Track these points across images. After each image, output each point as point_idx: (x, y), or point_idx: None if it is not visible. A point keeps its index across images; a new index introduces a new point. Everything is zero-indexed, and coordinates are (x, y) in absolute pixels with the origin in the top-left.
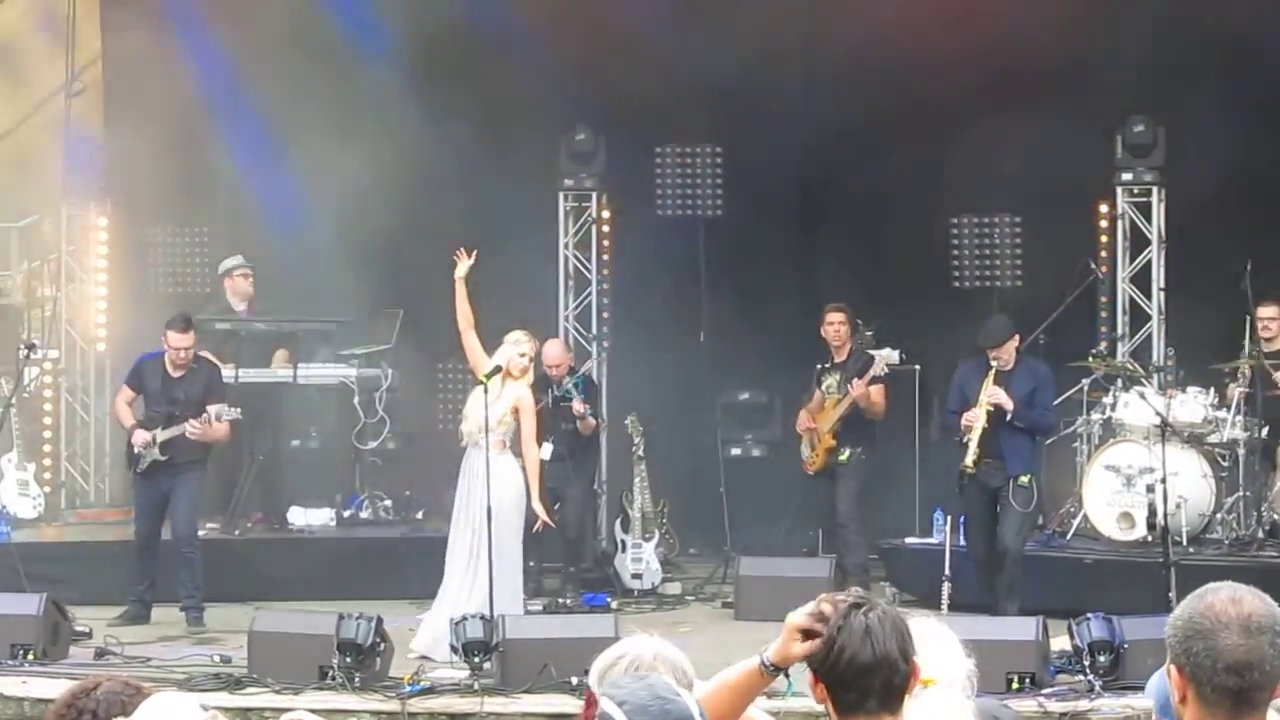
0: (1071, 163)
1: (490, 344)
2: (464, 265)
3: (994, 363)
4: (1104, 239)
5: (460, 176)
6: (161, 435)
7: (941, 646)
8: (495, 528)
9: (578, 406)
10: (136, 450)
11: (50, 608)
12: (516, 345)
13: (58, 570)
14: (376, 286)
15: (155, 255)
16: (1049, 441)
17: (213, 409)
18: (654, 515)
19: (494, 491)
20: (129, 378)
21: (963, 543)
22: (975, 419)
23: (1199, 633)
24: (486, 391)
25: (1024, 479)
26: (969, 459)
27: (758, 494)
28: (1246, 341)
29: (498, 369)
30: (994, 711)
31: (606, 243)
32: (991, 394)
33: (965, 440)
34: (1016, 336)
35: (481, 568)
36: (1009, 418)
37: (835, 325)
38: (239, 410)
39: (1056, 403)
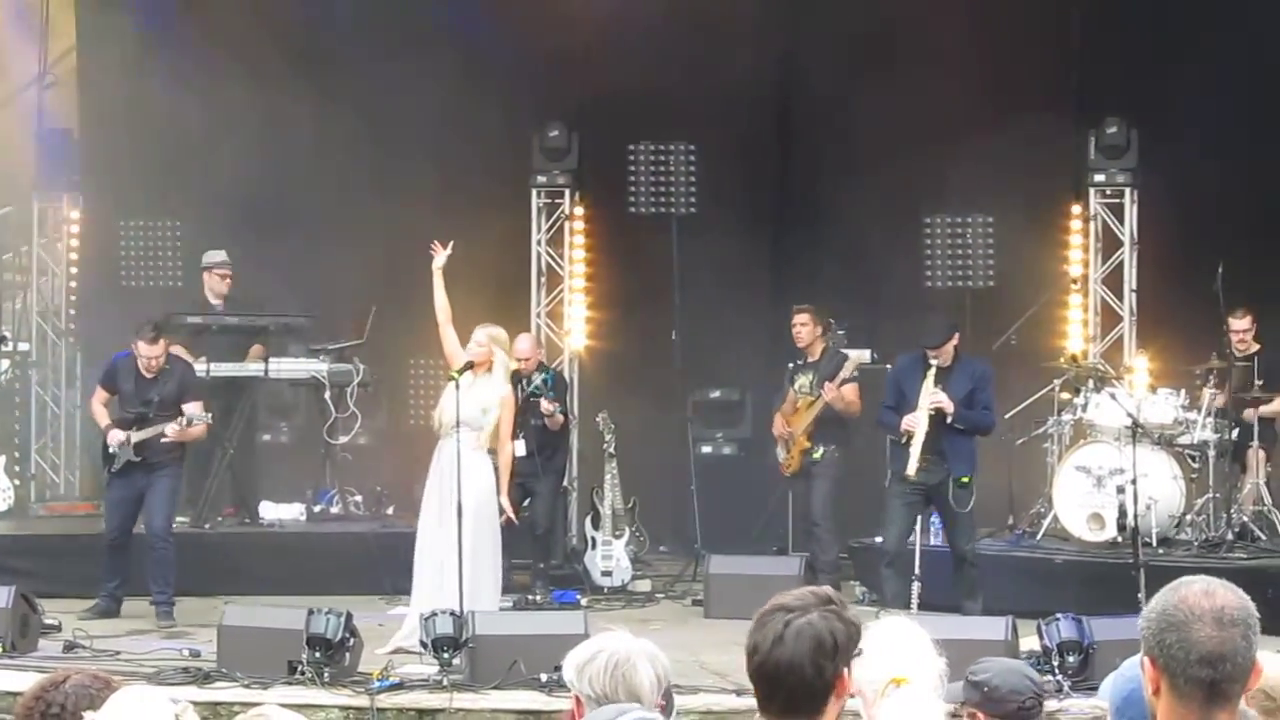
0: (1045, 164)
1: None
2: (441, 256)
3: (933, 361)
4: (1076, 240)
5: (433, 172)
6: (136, 436)
7: (914, 646)
8: (474, 524)
9: (545, 405)
10: (111, 450)
11: (19, 600)
12: (474, 337)
13: (27, 563)
14: (349, 282)
15: (128, 248)
16: (1020, 442)
17: (189, 410)
18: (624, 512)
19: (470, 487)
20: (103, 379)
21: (935, 542)
22: (916, 424)
23: (1172, 625)
24: (458, 388)
25: (964, 479)
26: (911, 468)
27: (728, 492)
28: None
29: (469, 364)
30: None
31: (579, 239)
32: (933, 398)
33: (905, 443)
34: (956, 335)
35: (452, 563)
36: (949, 420)
37: (798, 326)
38: (210, 415)
39: (1026, 404)
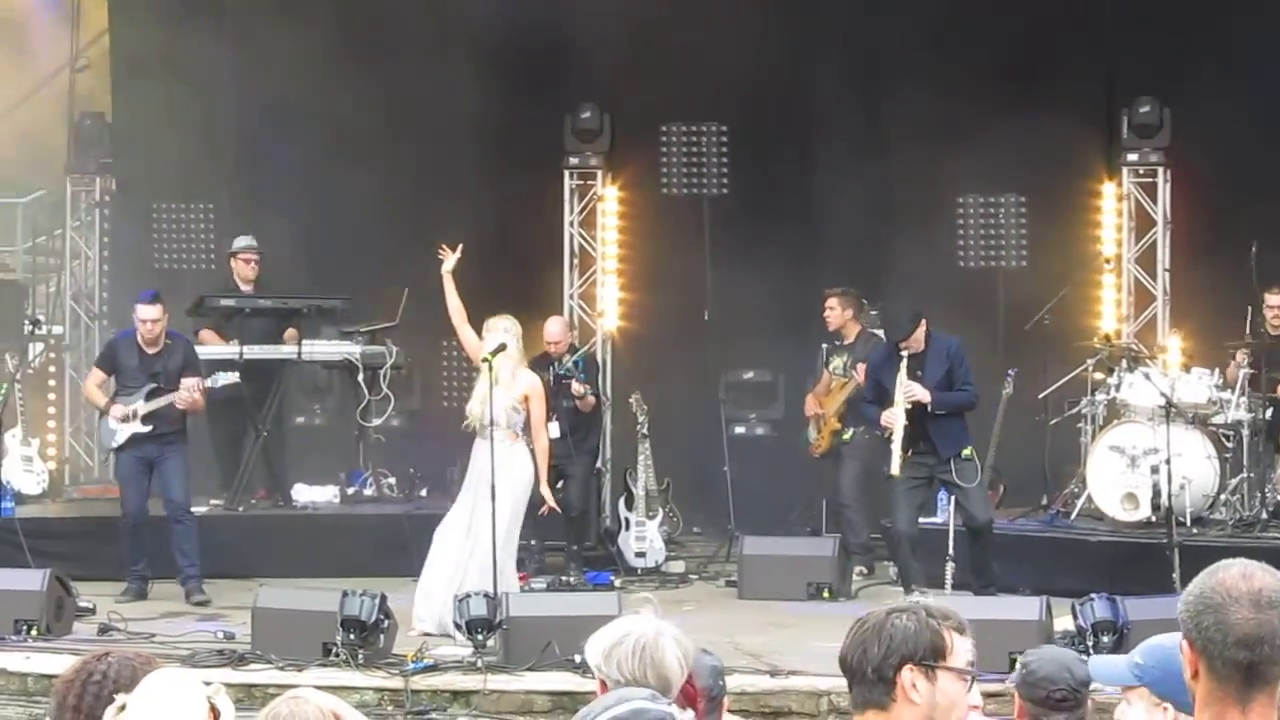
0: (1077, 143)
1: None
2: (451, 260)
3: (904, 351)
4: (1109, 219)
5: (467, 154)
6: (144, 407)
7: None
8: (501, 510)
9: (576, 387)
10: (113, 426)
11: (54, 583)
12: (494, 333)
13: (61, 546)
14: (382, 263)
15: (160, 232)
16: (1054, 422)
17: (189, 381)
18: (658, 494)
19: (506, 478)
20: (100, 360)
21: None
22: (895, 419)
23: (1209, 607)
24: (491, 369)
25: (965, 453)
26: (895, 467)
27: (762, 473)
28: (1248, 326)
29: (502, 346)
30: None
31: (612, 220)
32: (908, 391)
33: (887, 437)
34: (923, 321)
35: (482, 547)
36: (930, 409)
37: (827, 310)
38: (234, 375)
39: (1060, 384)
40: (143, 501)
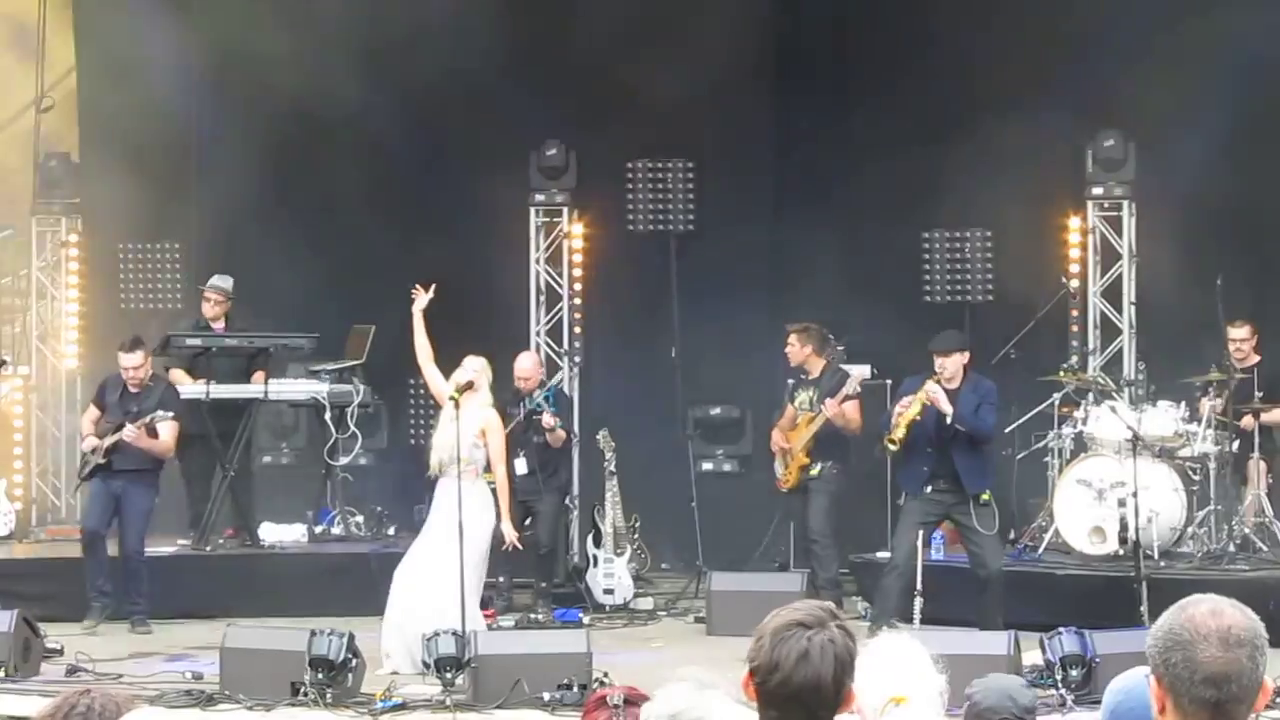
0: (1043, 177)
1: (456, 362)
2: (422, 299)
3: (938, 370)
4: (1075, 253)
5: (432, 192)
6: (107, 441)
7: (913, 663)
8: (466, 555)
9: (547, 419)
10: (84, 457)
11: (21, 624)
12: (468, 364)
13: (28, 586)
14: (349, 302)
15: (127, 271)
16: (1021, 456)
17: (149, 417)
18: (626, 530)
19: (468, 517)
20: (95, 396)
21: (936, 557)
22: (909, 404)
23: (1178, 644)
24: (458, 406)
25: (984, 497)
26: (895, 434)
27: (729, 509)
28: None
29: (469, 384)
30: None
31: (578, 257)
32: (932, 390)
33: (896, 422)
34: (966, 354)
35: (450, 585)
36: (948, 420)
37: (787, 346)
38: (171, 414)
39: (1027, 418)
40: (102, 526)
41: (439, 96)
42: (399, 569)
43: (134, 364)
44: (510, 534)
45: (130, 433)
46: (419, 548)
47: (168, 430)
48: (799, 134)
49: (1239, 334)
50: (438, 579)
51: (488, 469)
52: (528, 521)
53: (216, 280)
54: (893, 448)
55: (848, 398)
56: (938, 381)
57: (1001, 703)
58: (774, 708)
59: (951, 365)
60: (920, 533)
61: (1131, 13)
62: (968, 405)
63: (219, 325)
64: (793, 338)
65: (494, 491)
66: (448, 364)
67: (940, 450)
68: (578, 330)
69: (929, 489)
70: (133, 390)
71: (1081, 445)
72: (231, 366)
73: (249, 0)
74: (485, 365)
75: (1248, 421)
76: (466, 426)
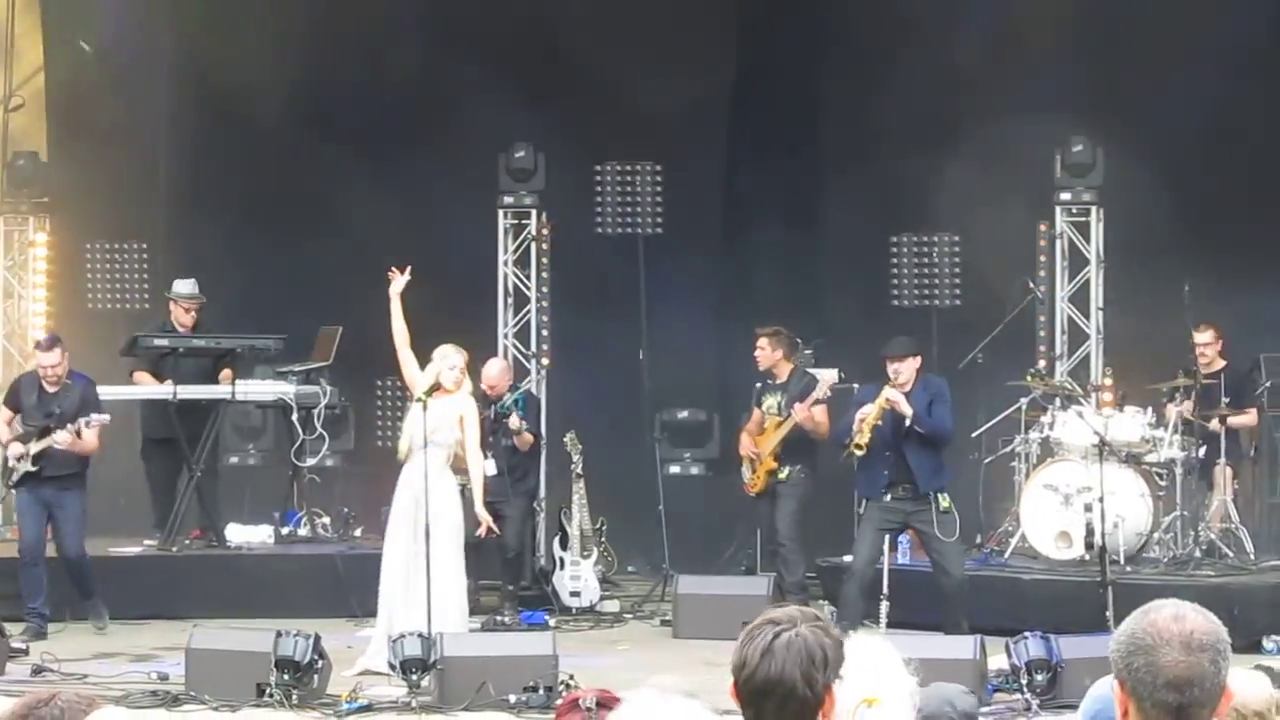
0: (1011, 182)
1: (424, 361)
2: (399, 282)
3: (892, 376)
4: (1043, 258)
5: (400, 193)
6: (35, 447)
7: (885, 665)
8: (439, 545)
9: (514, 422)
10: (10, 463)
11: None
12: (445, 359)
13: None
14: (316, 304)
15: (95, 271)
16: (988, 461)
17: (74, 424)
18: (592, 533)
19: (436, 509)
20: (7, 397)
21: (902, 561)
22: (869, 411)
23: (1140, 648)
24: (425, 409)
25: (944, 503)
26: (860, 439)
27: (696, 512)
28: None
29: (436, 386)
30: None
31: (546, 260)
32: (891, 395)
33: (858, 428)
34: (919, 358)
35: (420, 584)
36: (908, 422)
37: (757, 349)
38: (107, 416)
39: (994, 422)
40: (40, 539)
41: (408, 97)
42: (389, 576)
43: (52, 362)
44: (485, 518)
45: (64, 438)
46: (393, 546)
47: (95, 430)
48: (768, 138)
49: (1204, 339)
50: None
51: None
52: (495, 524)
53: (180, 286)
54: (859, 452)
55: (817, 402)
56: (893, 387)
57: (941, 709)
58: (748, 706)
59: (906, 370)
60: (881, 538)
61: (1101, 18)
62: (920, 404)
63: (184, 330)
64: (763, 341)
65: (463, 488)
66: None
67: (897, 453)
68: (545, 333)
69: (888, 496)
70: (50, 390)
71: (1048, 450)
72: (198, 367)
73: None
74: (456, 352)
75: (1215, 426)
76: (446, 411)
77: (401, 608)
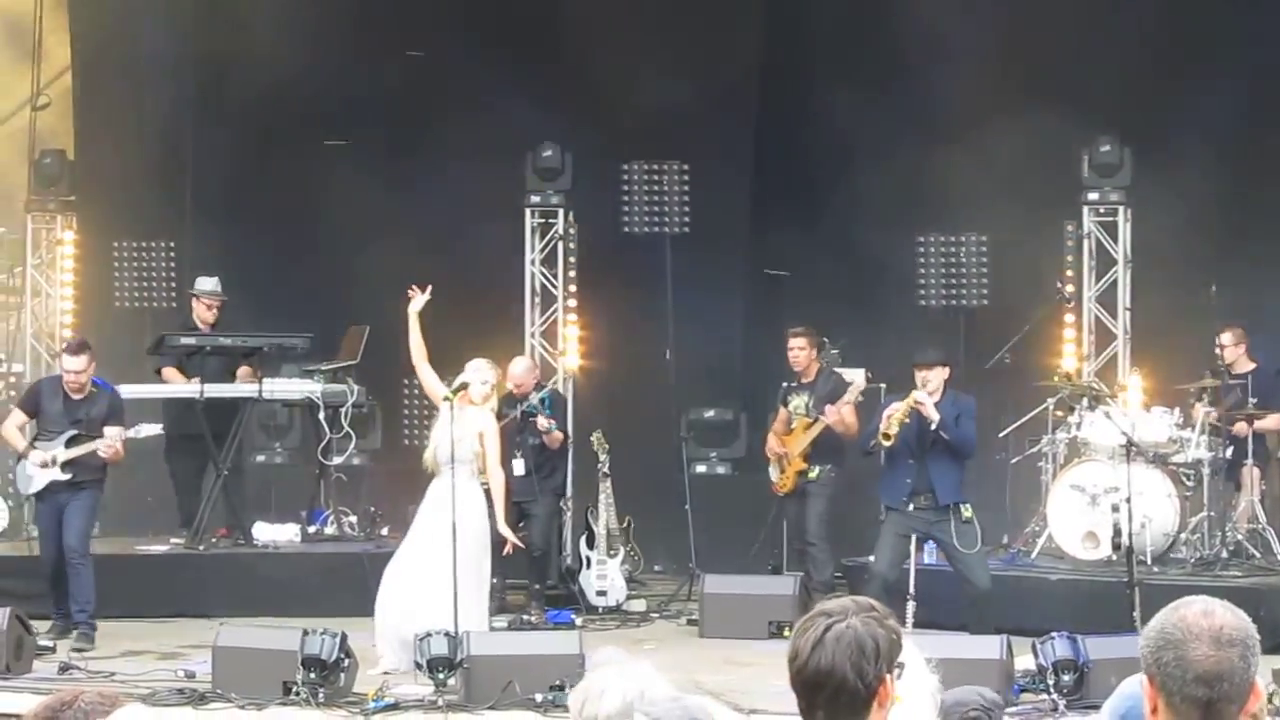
0: (1038, 182)
1: (452, 362)
2: (419, 301)
3: (920, 384)
4: (1070, 259)
5: (426, 193)
6: (64, 455)
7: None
8: (465, 550)
9: (543, 422)
10: (30, 472)
11: (14, 622)
12: (479, 373)
13: (21, 585)
14: (343, 302)
15: (121, 270)
16: (1015, 461)
17: (110, 432)
18: (619, 532)
19: (463, 516)
20: (22, 402)
21: (929, 561)
22: (897, 407)
23: (1170, 643)
24: (453, 407)
25: (966, 513)
26: (888, 428)
27: (723, 511)
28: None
29: (464, 385)
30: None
31: (573, 259)
32: (919, 397)
33: (885, 422)
34: (948, 369)
35: (446, 585)
36: (933, 427)
37: (795, 350)
38: (159, 427)
39: (1021, 422)
40: (60, 550)
41: (435, 98)
42: (390, 569)
43: (78, 368)
44: (508, 535)
45: (109, 446)
46: (411, 548)
47: (120, 447)
48: (794, 137)
49: (1231, 340)
50: (436, 581)
51: (483, 471)
52: (522, 523)
53: (202, 283)
54: (886, 443)
55: (848, 404)
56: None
57: (969, 696)
58: (800, 696)
59: (935, 379)
60: (903, 543)
61: (1128, 17)
62: (948, 417)
63: (206, 329)
64: (802, 341)
65: (488, 493)
66: (446, 366)
67: (921, 462)
68: (572, 332)
69: (910, 505)
70: (75, 397)
71: (1075, 450)
72: (224, 366)
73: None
74: (490, 368)
75: (1241, 428)
76: (465, 426)
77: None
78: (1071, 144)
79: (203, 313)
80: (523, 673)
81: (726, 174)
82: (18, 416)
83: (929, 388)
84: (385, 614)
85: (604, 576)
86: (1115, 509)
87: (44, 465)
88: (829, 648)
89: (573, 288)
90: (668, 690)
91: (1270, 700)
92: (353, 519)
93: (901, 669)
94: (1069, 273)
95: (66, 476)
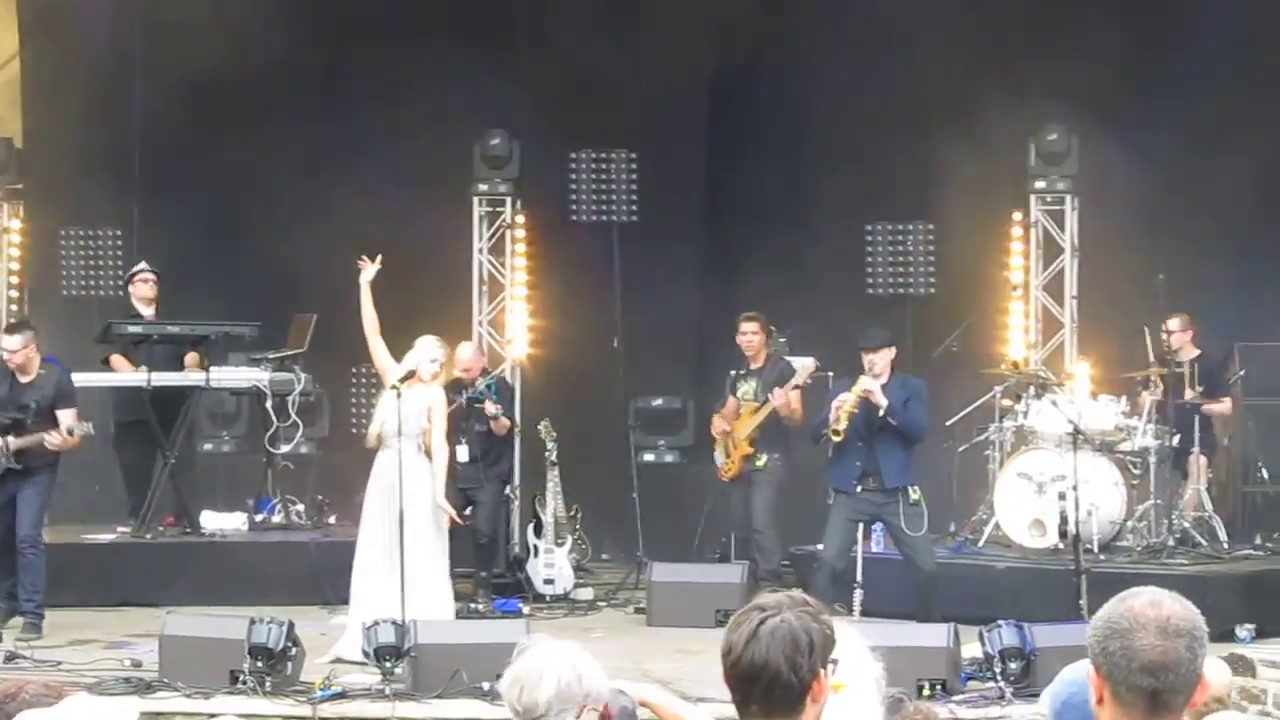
0: (986, 171)
1: (400, 349)
2: (369, 270)
3: (867, 367)
4: (1017, 246)
5: (373, 181)
6: (15, 443)
7: (850, 651)
8: (419, 531)
9: (490, 408)
10: None
11: None
12: (427, 351)
13: None
14: (290, 290)
15: (68, 257)
16: (962, 449)
17: (65, 420)
18: (567, 520)
19: (412, 494)
20: None
21: (876, 549)
22: (846, 399)
23: (1116, 632)
24: (399, 396)
25: (913, 495)
26: (838, 425)
27: (670, 500)
28: (1149, 349)
29: (410, 374)
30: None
31: (520, 247)
32: (867, 384)
33: (835, 415)
34: (893, 349)
35: (395, 570)
36: (881, 413)
37: (748, 335)
38: (90, 425)
39: (968, 410)
40: (8, 535)
41: (383, 85)
42: (359, 561)
43: (14, 347)
44: (447, 509)
45: (55, 442)
46: (373, 534)
47: (79, 437)
48: (742, 125)
49: (1178, 327)
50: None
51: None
52: (468, 510)
53: (142, 265)
54: (836, 438)
55: (796, 387)
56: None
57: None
58: (735, 691)
59: (880, 361)
60: (852, 528)
61: (1075, 5)
62: (897, 400)
63: (149, 309)
64: (755, 326)
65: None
66: (394, 351)
67: (869, 445)
68: (520, 320)
69: (859, 487)
70: (22, 380)
71: (1022, 439)
72: (171, 354)
73: None
74: (439, 345)
75: (1190, 396)
76: (414, 403)
77: (382, 597)
78: (1019, 132)
79: (144, 291)
80: (470, 661)
81: (674, 162)
82: None
83: (874, 370)
84: (361, 607)
85: (552, 565)
86: (1062, 497)
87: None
88: (763, 642)
89: (520, 275)
90: (600, 673)
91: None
92: (300, 508)
93: (835, 664)
94: (1016, 263)
95: (19, 466)
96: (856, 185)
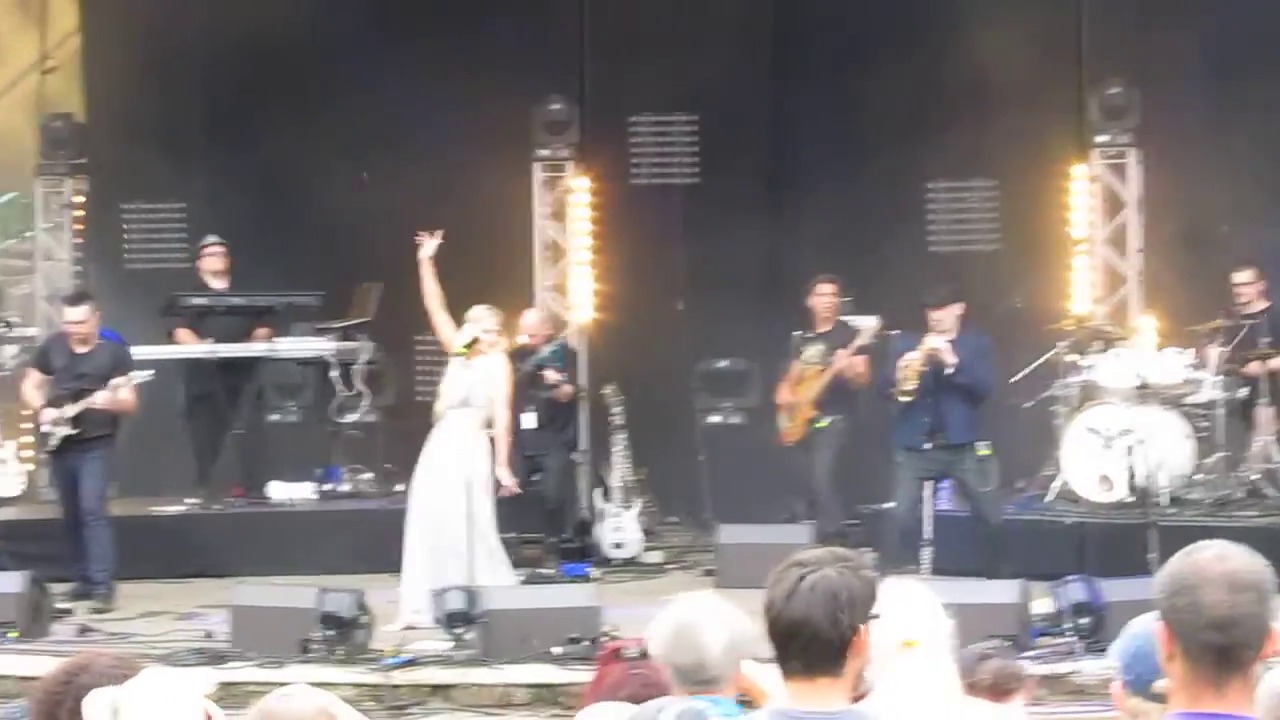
0: (1047, 126)
1: (462, 317)
2: (430, 245)
3: (933, 325)
4: (1080, 201)
5: (434, 148)
6: (71, 410)
7: (922, 609)
8: (478, 501)
9: (552, 375)
10: (44, 428)
11: (31, 585)
12: (479, 322)
13: (38, 548)
14: (355, 260)
15: (131, 232)
16: (1028, 405)
17: (114, 381)
18: (635, 484)
19: (473, 465)
20: (35, 359)
21: (944, 506)
22: (914, 358)
23: (1184, 588)
24: (466, 364)
25: (983, 452)
26: (907, 385)
27: (737, 461)
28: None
29: (474, 341)
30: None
31: (582, 213)
32: (933, 343)
33: (903, 375)
34: (961, 305)
35: (462, 539)
36: (947, 371)
37: (826, 296)
38: (150, 371)
39: (1033, 366)
40: (76, 512)
41: (441, 52)
42: (414, 524)
43: (78, 318)
44: (508, 479)
45: (105, 397)
46: (430, 500)
47: (130, 388)
48: (801, 86)
49: (1242, 277)
50: (458, 533)
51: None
52: (535, 476)
53: (211, 238)
54: (906, 399)
55: (860, 349)
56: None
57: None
58: (776, 646)
59: (947, 318)
60: (920, 486)
61: None
62: (965, 357)
63: (219, 281)
64: (834, 288)
65: (492, 440)
66: (457, 321)
67: (936, 402)
68: (584, 285)
69: (928, 444)
70: (79, 351)
71: (1088, 394)
72: (236, 325)
73: None
74: (491, 313)
75: (1254, 368)
76: (478, 371)
77: (436, 568)
78: (1080, 87)
79: (214, 264)
80: (539, 626)
81: (735, 125)
82: (34, 376)
83: (942, 327)
84: (419, 572)
85: (620, 529)
86: (1129, 451)
87: (55, 422)
88: (803, 597)
89: (582, 241)
90: (757, 630)
91: None
92: (367, 476)
93: (876, 619)
94: (1078, 218)
95: (77, 431)
96: (917, 143)
